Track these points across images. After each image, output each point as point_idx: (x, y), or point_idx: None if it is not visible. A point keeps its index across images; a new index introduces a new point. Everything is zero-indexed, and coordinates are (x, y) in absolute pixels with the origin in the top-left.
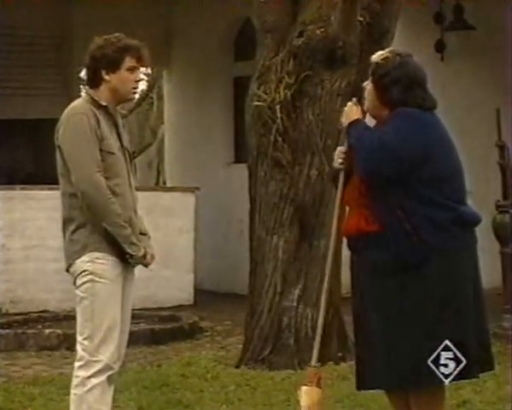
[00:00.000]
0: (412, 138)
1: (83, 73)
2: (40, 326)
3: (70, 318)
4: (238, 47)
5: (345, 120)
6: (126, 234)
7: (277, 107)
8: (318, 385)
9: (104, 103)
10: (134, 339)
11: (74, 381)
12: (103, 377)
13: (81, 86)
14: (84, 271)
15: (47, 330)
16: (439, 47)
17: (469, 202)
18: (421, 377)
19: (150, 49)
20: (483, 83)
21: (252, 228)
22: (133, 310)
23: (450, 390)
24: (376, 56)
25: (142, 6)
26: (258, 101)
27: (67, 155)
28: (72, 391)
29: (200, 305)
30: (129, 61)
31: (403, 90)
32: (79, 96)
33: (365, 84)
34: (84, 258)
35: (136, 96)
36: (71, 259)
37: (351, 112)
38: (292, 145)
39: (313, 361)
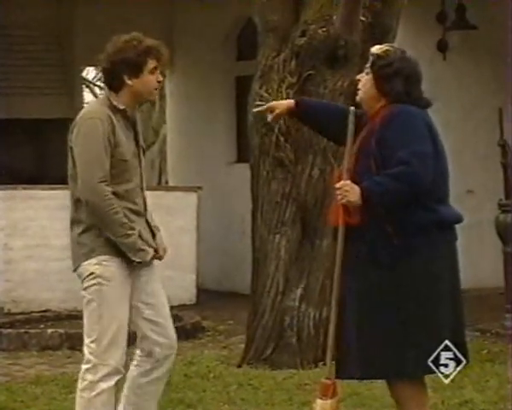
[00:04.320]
0: (425, 136)
1: (85, 73)
2: (42, 326)
3: (72, 317)
4: (240, 46)
5: (353, 199)
6: (130, 242)
7: None
8: (332, 396)
9: (122, 107)
10: (136, 338)
11: (81, 384)
12: (112, 382)
13: (84, 86)
14: (92, 273)
15: (49, 330)
16: (442, 46)
17: (472, 201)
18: (390, 369)
19: None
20: (485, 82)
21: (254, 227)
22: None
23: (452, 389)
24: (376, 49)
25: (144, 5)
26: (261, 100)
27: (77, 159)
28: (79, 394)
29: (202, 304)
30: (151, 64)
31: (404, 82)
32: (81, 96)
33: (360, 76)
34: (92, 260)
35: (155, 96)
36: (78, 261)
37: (350, 194)
38: (294, 145)
39: (328, 374)
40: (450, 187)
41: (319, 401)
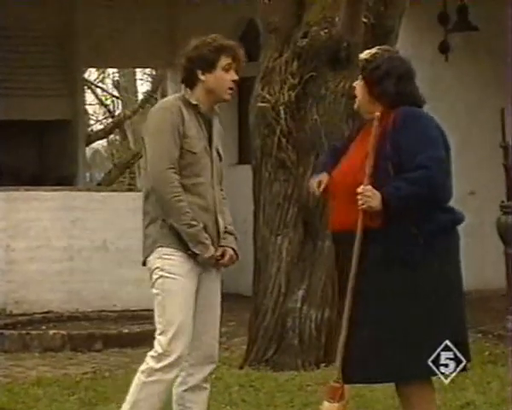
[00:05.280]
0: (438, 139)
1: (87, 74)
2: (44, 327)
3: (74, 319)
4: (242, 47)
5: (375, 205)
6: (192, 232)
7: (281, 108)
8: (340, 399)
9: (194, 102)
10: (139, 340)
11: (143, 366)
12: (172, 375)
13: (85, 87)
14: (156, 268)
15: (51, 331)
16: (444, 48)
17: (474, 202)
18: (405, 371)
19: (154, 50)
20: (487, 84)
21: (256, 229)
22: (138, 311)
23: (454, 391)
24: (364, 54)
25: (146, 7)
26: (263, 102)
27: (147, 148)
28: (138, 374)
29: None
30: (224, 60)
31: (395, 82)
32: (83, 98)
33: (355, 83)
34: (155, 254)
35: (230, 97)
36: (145, 253)
37: (372, 199)
38: (296, 146)
39: (336, 377)
40: (453, 188)
41: (326, 404)
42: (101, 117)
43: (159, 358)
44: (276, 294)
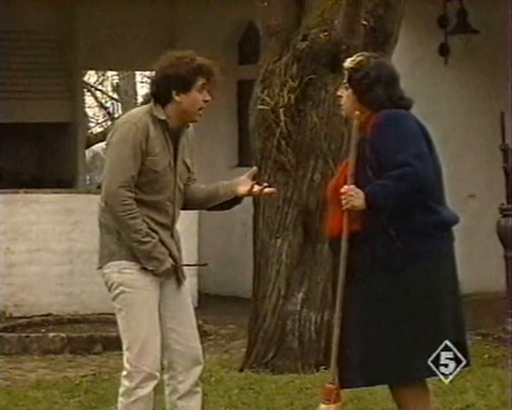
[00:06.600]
0: (419, 136)
1: (87, 77)
2: (44, 330)
3: (73, 321)
4: (242, 50)
5: (358, 204)
6: (144, 249)
7: (281, 110)
8: (336, 401)
9: (163, 118)
10: None
11: (121, 388)
12: (149, 389)
13: (85, 90)
14: (114, 283)
15: (51, 334)
16: (443, 51)
17: (474, 205)
18: (395, 374)
19: (154, 53)
20: (487, 86)
21: (255, 231)
22: None
23: (454, 394)
24: (349, 62)
25: (146, 9)
26: (262, 104)
27: (106, 160)
28: (119, 398)
29: (203, 308)
30: (200, 81)
31: (385, 87)
32: (83, 101)
33: (340, 92)
34: (113, 268)
35: (200, 117)
36: (101, 262)
37: (355, 198)
38: (296, 149)
39: (331, 379)
40: (453, 191)
41: (322, 406)
42: (100, 120)
43: (130, 377)
44: (276, 297)
